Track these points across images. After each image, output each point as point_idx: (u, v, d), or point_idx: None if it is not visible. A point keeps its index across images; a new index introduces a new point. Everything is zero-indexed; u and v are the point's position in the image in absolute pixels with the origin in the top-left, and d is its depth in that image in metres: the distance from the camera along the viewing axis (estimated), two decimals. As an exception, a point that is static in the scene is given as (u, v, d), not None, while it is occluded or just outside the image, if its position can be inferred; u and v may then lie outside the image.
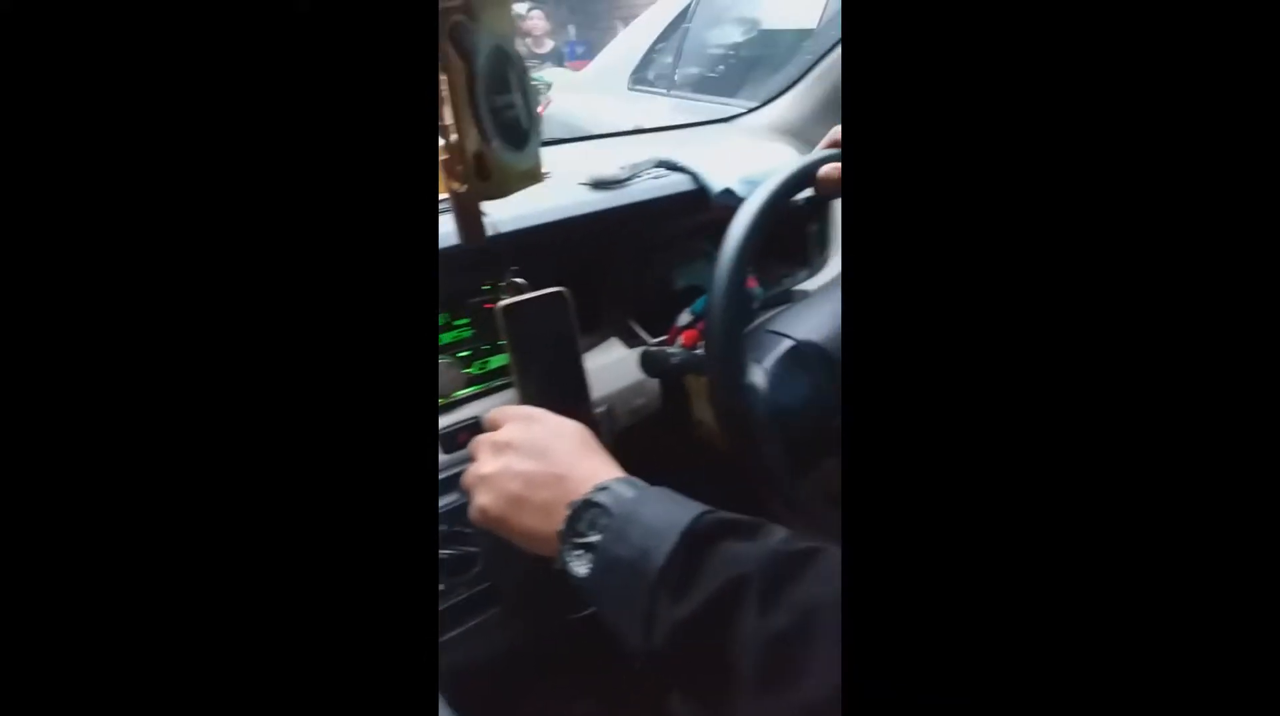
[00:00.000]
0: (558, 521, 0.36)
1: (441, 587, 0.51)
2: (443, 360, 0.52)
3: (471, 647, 0.53)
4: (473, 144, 0.32)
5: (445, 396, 0.53)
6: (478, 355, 0.54)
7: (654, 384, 0.63)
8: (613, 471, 0.39)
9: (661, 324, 0.61)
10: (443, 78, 0.31)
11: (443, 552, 0.50)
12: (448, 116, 0.32)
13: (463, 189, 0.34)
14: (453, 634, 0.52)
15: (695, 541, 0.32)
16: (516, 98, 0.34)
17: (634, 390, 0.61)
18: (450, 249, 0.50)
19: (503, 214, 0.52)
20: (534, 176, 0.38)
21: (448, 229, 0.51)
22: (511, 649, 0.54)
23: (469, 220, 0.38)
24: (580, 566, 0.35)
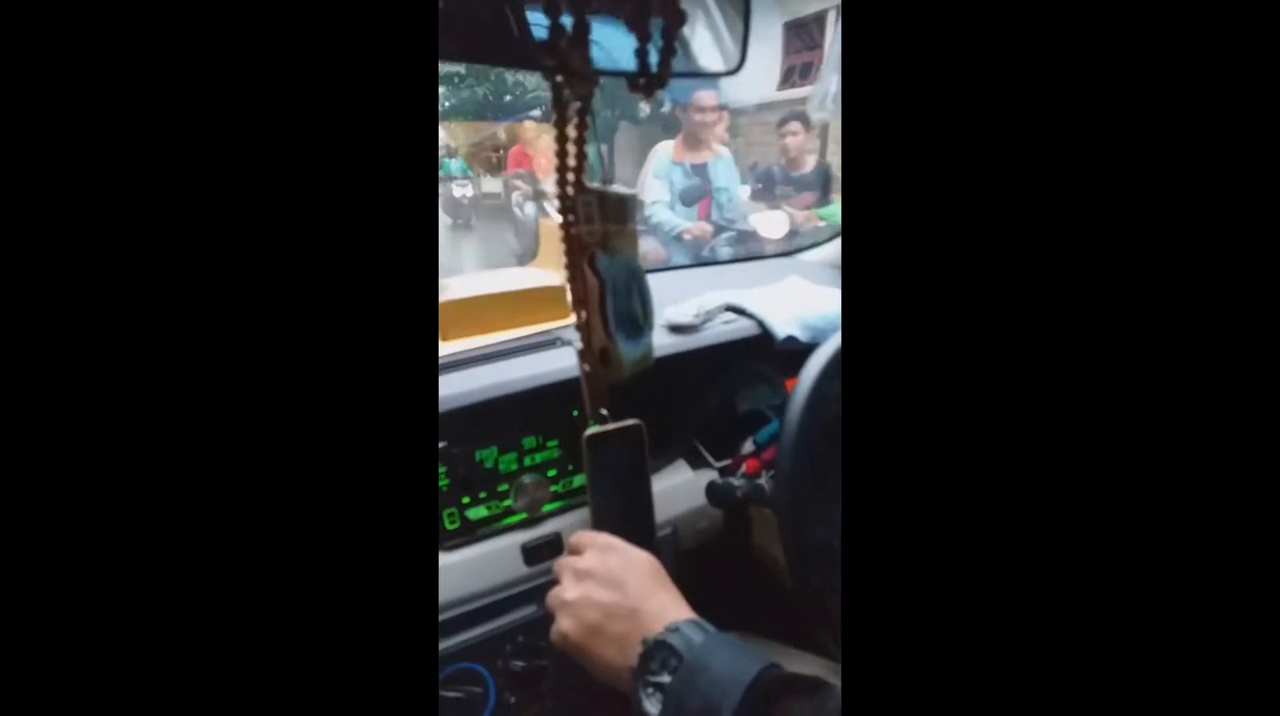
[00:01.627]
0: (631, 656, 0.39)
1: (512, 700, 0.54)
2: (530, 478, 0.57)
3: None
4: (599, 340, 0.40)
5: (532, 512, 0.58)
6: (562, 474, 0.59)
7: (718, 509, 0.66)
8: (681, 608, 0.42)
9: (725, 446, 0.66)
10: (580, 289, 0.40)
11: (516, 665, 0.54)
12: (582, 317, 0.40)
13: (590, 372, 0.41)
14: (518, 748, 0.54)
15: (758, 698, 0.35)
16: (636, 304, 0.44)
17: (698, 513, 0.65)
18: (549, 379, 0.57)
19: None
20: (646, 362, 0.48)
21: (539, 361, 0.60)
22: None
23: (594, 396, 0.47)
24: (651, 706, 0.37)
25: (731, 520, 0.66)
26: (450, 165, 7.08)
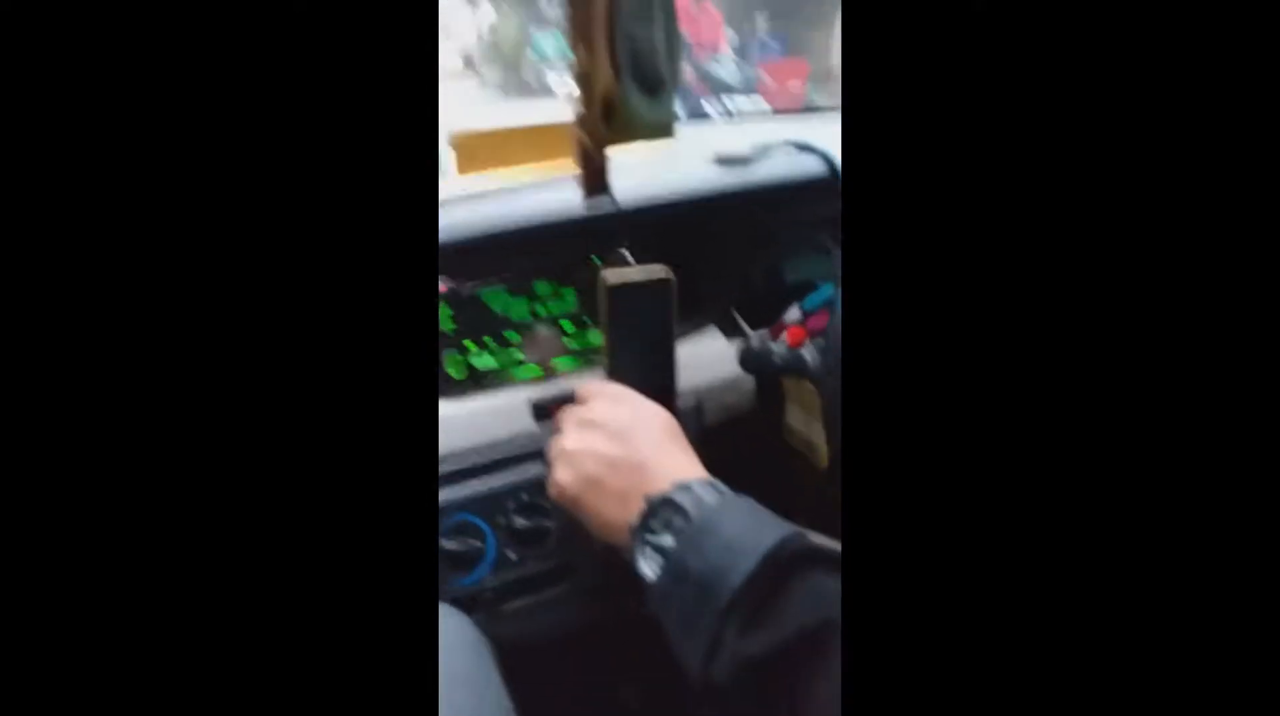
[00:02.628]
0: (632, 512, 0.34)
1: (513, 557, 0.51)
2: (542, 328, 0.51)
3: (533, 620, 0.53)
4: (603, 82, 0.30)
5: (542, 364, 0.52)
6: (578, 327, 0.53)
7: (749, 381, 0.60)
8: (696, 469, 0.36)
9: (766, 316, 0.58)
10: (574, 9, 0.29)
11: (518, 522, 0.50)
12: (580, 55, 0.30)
13: (585, 135, 0.32)
14: (517, 604, 0.52)
15: (778, 568, 0.29)
16: (658, 35, 0.32)
17: (727, 386, 0.58)
18: (564, 215, 0.49)
19: (619, 184, 0.51)
20: (664, 130, 0.35)
21: (555, 197, 0.51)
22: (571, 628, 0.54)
23: (591, 170, 0.36)
24: (649, 568, 0.33)
25: (764, 394, 0.60)
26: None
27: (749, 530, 0.31)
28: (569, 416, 0.41)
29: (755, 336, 0.55)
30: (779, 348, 0.51)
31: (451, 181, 0.57)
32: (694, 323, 0.60)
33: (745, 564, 0.29)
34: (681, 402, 0.56)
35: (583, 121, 0.32)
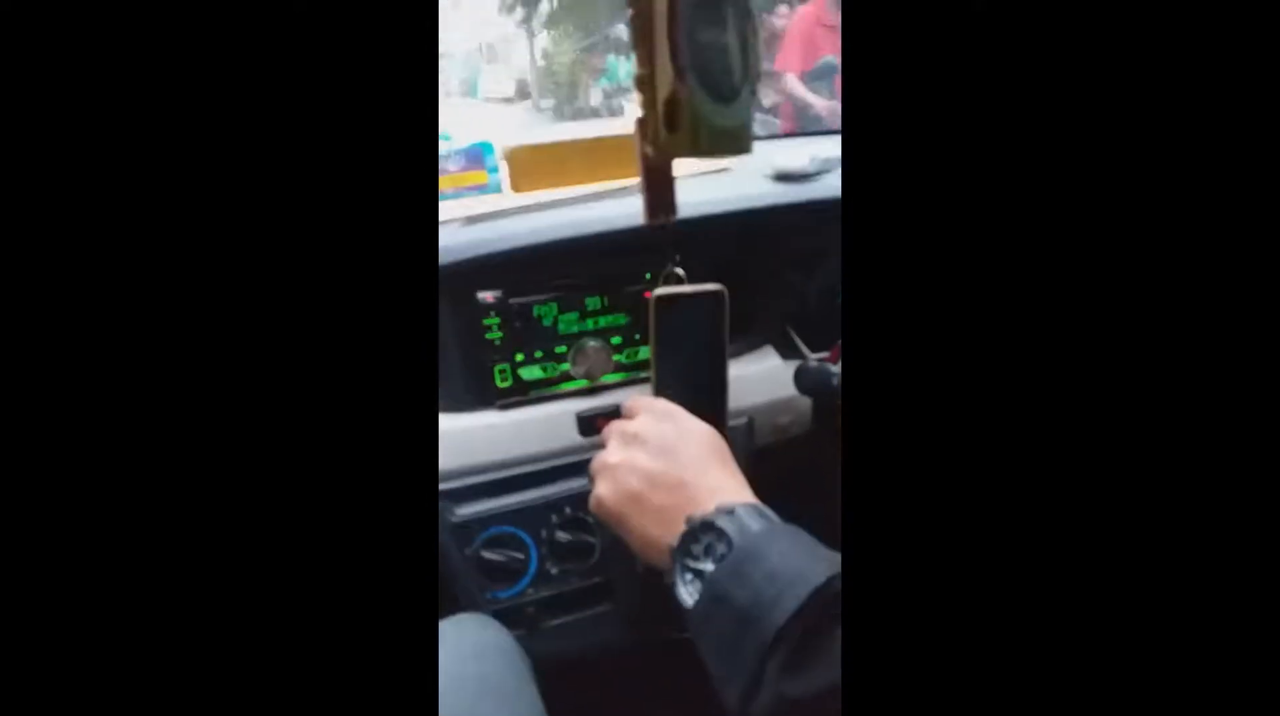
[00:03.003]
0: (673, 533, 0.33)
1: (554, 572, 0.50)
2: (592, 343, 0.51)
3: (573, 638, 0.52)
4: (665, 85, 0.27)
5: (591, 380, 0.52)
6: (628, 343, 0.52)
7: (805, 403, 0.57)
8: (741, 492, 0.34)
9: (825, 339, 0.56)
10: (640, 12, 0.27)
11: (561, 536, 0.50)
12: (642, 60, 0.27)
13: (647, 144, 0.30)
14: (557, 621, 0.51)
15: (828, 605, 0.27)
16: (730, 39, 0.28)
17: (781, 406, 0.56)
18: (616, 229, 0.49)
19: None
20: (738, 140, 0.30)
21: (609, 210, 0.51)
22: (612, 648, 0.52)
23: (654, 186, 0.33)
24: (688, 594, 0.31)
25: (820, 416, 0.57)
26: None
27: (797, 562, 0.29)
28: (613, 430, 0.40)
29: (813, 358, 0.53)
30: (838, 370, 0.48)
31: (505, 198, 0.58)
32: (749, 342, 0.58)
33: (792, 598, 0.27)
34: (733, 422, 0.55)
35: (644, 128, 0.29)
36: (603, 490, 0.37)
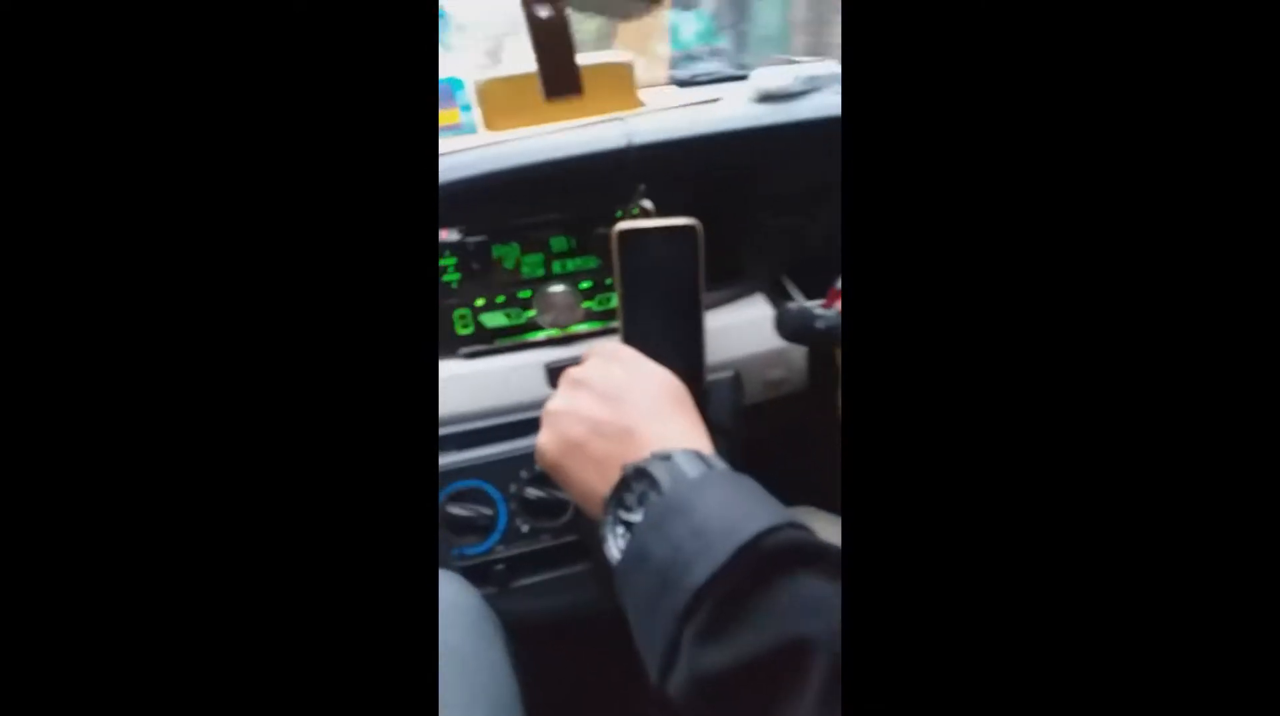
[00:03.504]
0: (610, 482, 0.29)
1: (524, 529, 0.48)
2: (558, 289, 0.48)
3: (544, 598, 0.49)
4: None
5: (561, 328, 0.49)
6: (599, 289, 0.49)
7: (800, 355, 0.52)
8: (693, 439, 0.31)
9: (823, 284, 0.51)
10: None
11: (530, 492, 0.47)
12: None
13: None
14: (527, 581, 0.49)
15: (758, 564, 0.23)
16: None
17: (772, 359, 0.51)
18: (579, 159, 0.45)
19: (642, 124, 0.46)
20: None
21: (572, 141, 0.45)
22: (585, 610, 0.50)
23: (545, 50, 0.28)
24: (614, 547, 0.28)
25: (817, 371, 0.52)
26: None
27: (730, 514, 0.25)
28: (565, 377, 0.36)
29: (806, 304, 0.48)
30: (823, 312, 0.43)
31: (481, 138, 0.55)
32: (737, 289, 0.53)
33: (714, 556, 0.23)
34: (716, 375, 0.50)
35: None
36: (544, 438, 0.34)
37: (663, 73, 0.73)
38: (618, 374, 0.34)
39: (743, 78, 0.82)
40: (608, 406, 0.32)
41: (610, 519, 0.29)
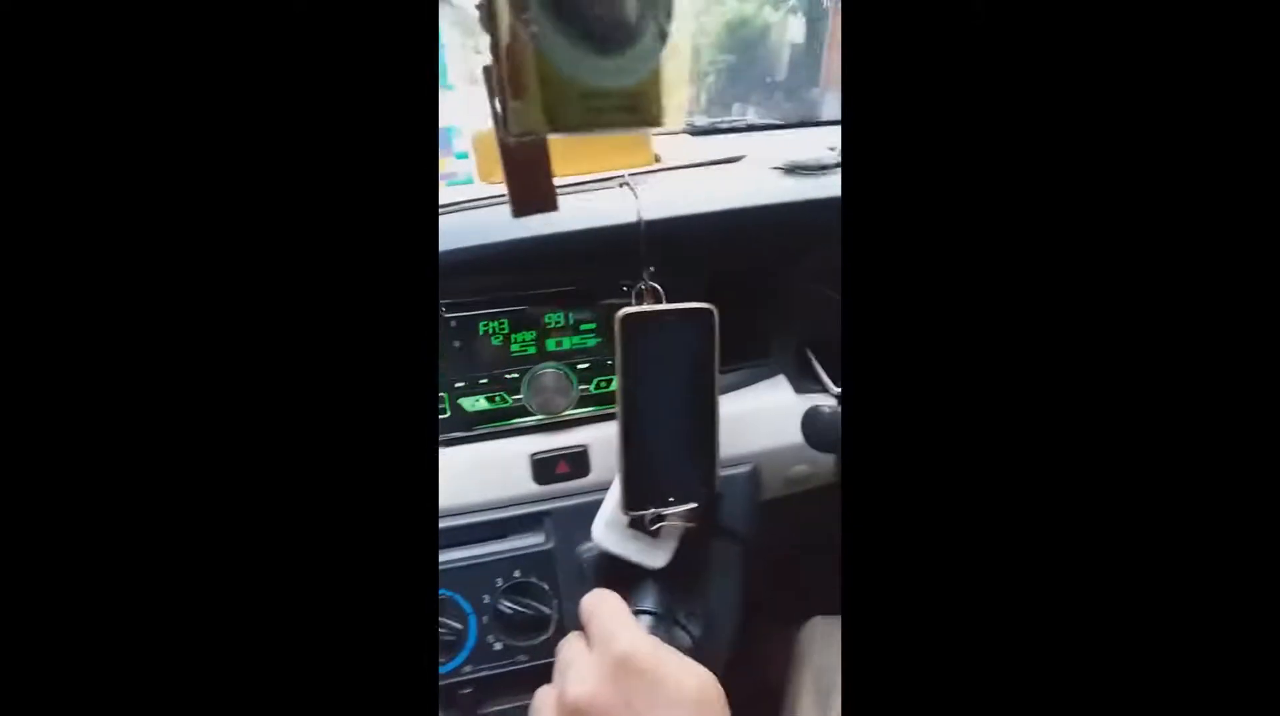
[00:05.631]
0: None
1: (497, 646, 0.41)
2: (549, 370, 0.41)
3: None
4: (509, 30, 0.17)
5: (552, 413, 0.42)
6: (598, 370, 0.43)
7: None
8: None
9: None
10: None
11: (505, 606, 0.40)
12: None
13: (499, 114, 0.21)
14: (498, 708, 0.42)
15: None
16: None
17: (795, 453, 0.45)
18: (582, 231, 0.39)
19: (653, 198, 0.40)
20: (634, 107, 0.19)
21: (577, 210, 0.41)
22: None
23: (513, 170, 0.23)
24: None
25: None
26: None
27: None
28: (563, 664, 0.28)
29: (832, 390, 0.41)
30: (859, 415, 0.37)
31: (477, 190, 0.49)
32: (759, 370, 0.47)
33: None
34: (732, 470, 0.44)
35: (490, 88, 0.20)
36: None
37: (678, 120, 0.68)
38: (639, 704, 0.25)
39: (763, 127, 0.77)
40: None
41: None
